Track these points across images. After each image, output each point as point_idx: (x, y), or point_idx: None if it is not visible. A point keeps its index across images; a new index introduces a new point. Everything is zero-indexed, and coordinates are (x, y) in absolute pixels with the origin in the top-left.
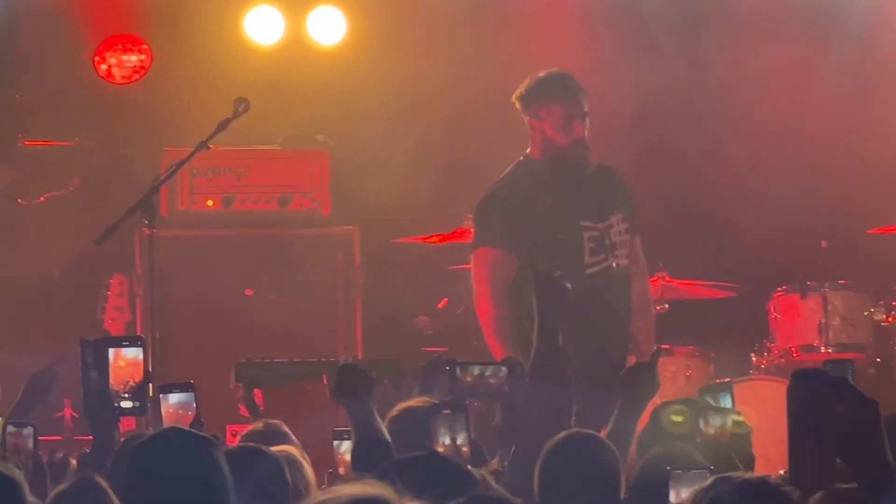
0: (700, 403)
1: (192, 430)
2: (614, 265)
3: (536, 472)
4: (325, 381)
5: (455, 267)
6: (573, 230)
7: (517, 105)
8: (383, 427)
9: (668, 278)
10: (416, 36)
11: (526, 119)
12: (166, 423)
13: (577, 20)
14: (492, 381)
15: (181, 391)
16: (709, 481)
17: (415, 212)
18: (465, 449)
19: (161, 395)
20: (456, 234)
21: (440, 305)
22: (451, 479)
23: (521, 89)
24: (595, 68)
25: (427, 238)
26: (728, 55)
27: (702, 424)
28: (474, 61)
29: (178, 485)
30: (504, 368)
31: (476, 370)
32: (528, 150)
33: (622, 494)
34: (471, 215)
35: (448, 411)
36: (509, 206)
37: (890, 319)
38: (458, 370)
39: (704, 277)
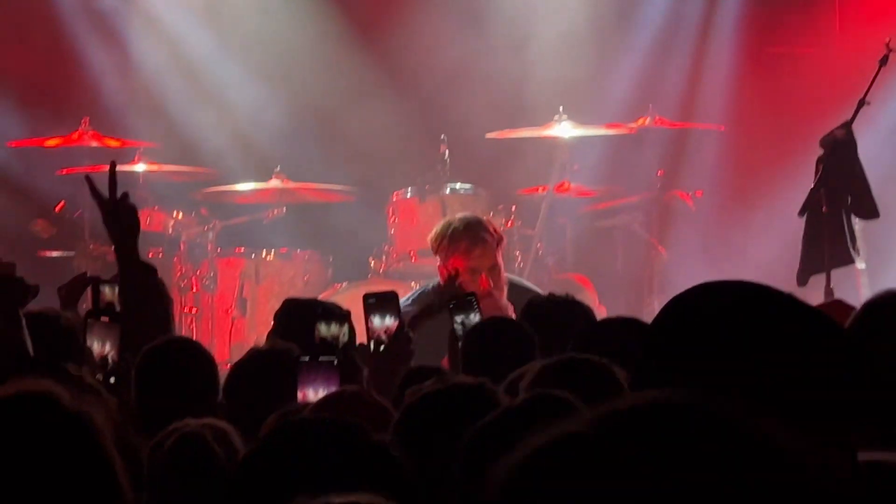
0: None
1: None
2: None
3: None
4: None
5: (67, 170)
6: None
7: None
8: None
9: (285, 181)
10: None
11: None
12: None
13: None
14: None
15: None
16: None
17: (32, 114)
18: None
19: None
20: (73, 139)
21: (57, 209)
22: None
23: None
24: None
25: (44, 141)
26: None
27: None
28: None
29: None
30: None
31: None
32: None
33: None
34: (87, 117)
35: None
36: None
37: (509, 224)
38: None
39: (322, 180)
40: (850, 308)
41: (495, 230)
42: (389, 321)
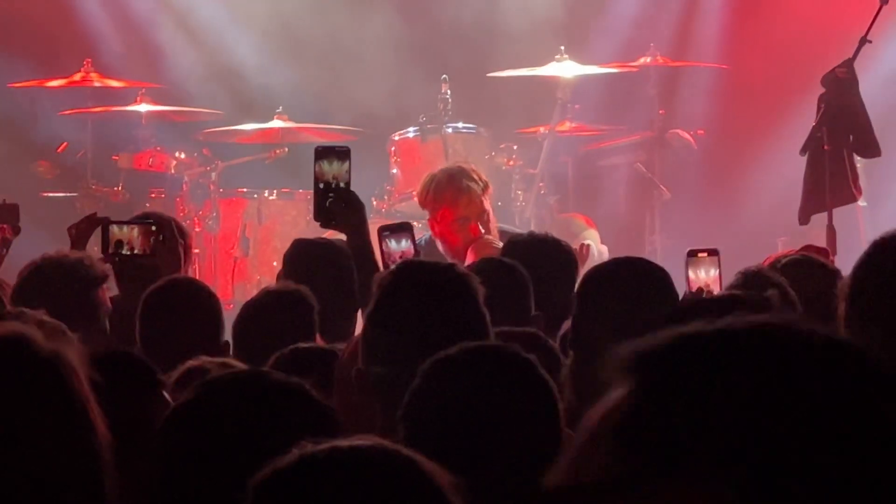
0: None
1: None
2: None
3: None
4: None
5: (70, 111)
6: None
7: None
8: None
9: (287, 121)
10: None
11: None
12: None
13: None
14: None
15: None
16: None
17: (34, 57)
18: None
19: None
20: (75, 80)
21: (59, 150)
22: None
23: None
24: None
25: (44, 81)
26: None
27: None
28: None
29: None
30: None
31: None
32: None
33: None
34: (89, 58)
35: None
36: None
37: (510, 163)
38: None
39: (323, 121)
40: (822, 251)
41: (480, 177)
42: (405, 245)
